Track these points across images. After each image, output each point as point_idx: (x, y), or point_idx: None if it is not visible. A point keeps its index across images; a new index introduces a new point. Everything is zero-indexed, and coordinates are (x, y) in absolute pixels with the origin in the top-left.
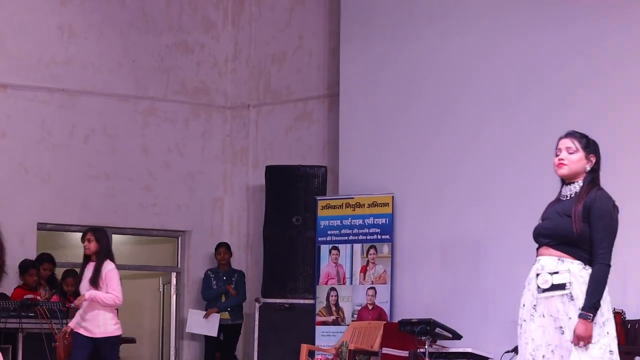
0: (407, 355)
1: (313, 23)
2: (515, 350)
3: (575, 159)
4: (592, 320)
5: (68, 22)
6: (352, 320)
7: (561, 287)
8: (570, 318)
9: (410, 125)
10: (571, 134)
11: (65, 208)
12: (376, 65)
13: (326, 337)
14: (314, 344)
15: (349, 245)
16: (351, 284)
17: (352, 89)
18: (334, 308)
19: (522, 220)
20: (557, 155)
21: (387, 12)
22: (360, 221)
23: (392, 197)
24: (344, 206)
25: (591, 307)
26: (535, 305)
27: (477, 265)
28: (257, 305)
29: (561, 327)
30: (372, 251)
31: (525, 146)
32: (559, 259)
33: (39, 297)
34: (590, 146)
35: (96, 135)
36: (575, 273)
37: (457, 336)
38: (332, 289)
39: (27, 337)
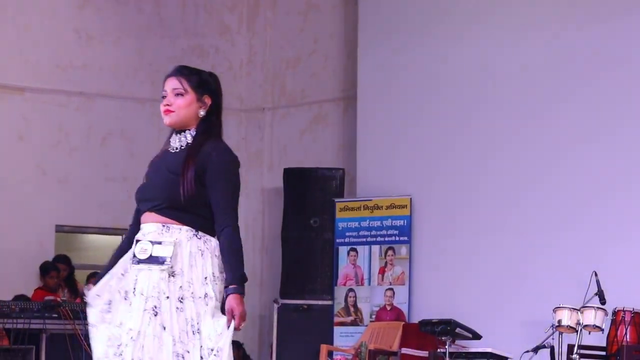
0: (426, 355)
1: (328, 27)
2: (535, 350)
3: (183, 104)
4: (242, 291)
5: (85, 26)
6: (371, 321)
7: (160, 261)
8: (168, 297)
9: (428, 127)
10: (179, 71)
11: (82, 210)
12: (394, 67)
13: (344, 338)
14: (332, 345)
15: (367, 247)
16: (369, 285)
17: (369, 91)
18: (352, 309)
19: (540, 219)
20: (163, 99)
21: (405, 14)
22: (379, 223)
23: (410, 199)
24: (362, 208)
25: (240, 280)
26: (135, 283)
27: (495, 266)
28: (276, 306)
29: (155, 308)
30: (390, 252)
31: (544, 144)
32: (163, 226)
33: (59, 299)
34: (203, 85)
35: (113, 137)
36: (183, 242)
37: (477, 336)
38: (351, 290)
39: (50, 338)
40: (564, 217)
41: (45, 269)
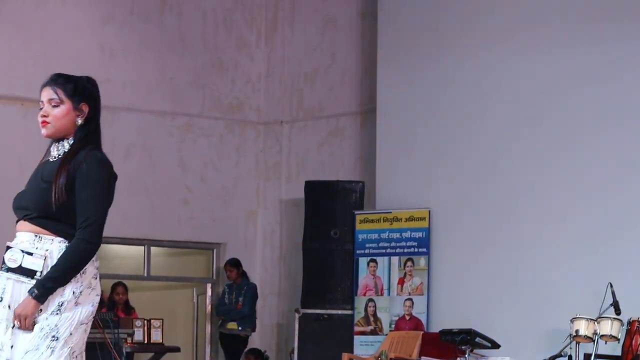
0: None
1: (345, 42)
2: (552, 359)
3: (60, 114)
4: (39, 298)
5: (109, 43)
6: (390, 330)
7: (30, 274)
8: (41, 310)
9: (445, 140)
10: (54, 80)
11: (106, 221)
12: (413, 80)
13: (364, 347)
14: (352, 353)
15: (386, 258)
16: (389, 295)
17: (388, 104)
18: (372, 318)
19: (557, 230)
20: (40, 110)
21: (423, 28)
22: (398, 235)
23: (429, 211)
24: (382, 220)
25: (43, 282)
26: (3, 292)
27: (512, 276)
28: (297, 315)
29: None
30: (409, 264)
31: (559, 156)
32: (36, 236)
33: None
34: (80, 93)
35: (135, 150)
36: (54, 253)
37: (495, 345)
38: (370, 300)
39: None
40: (580, 230)
41: None
